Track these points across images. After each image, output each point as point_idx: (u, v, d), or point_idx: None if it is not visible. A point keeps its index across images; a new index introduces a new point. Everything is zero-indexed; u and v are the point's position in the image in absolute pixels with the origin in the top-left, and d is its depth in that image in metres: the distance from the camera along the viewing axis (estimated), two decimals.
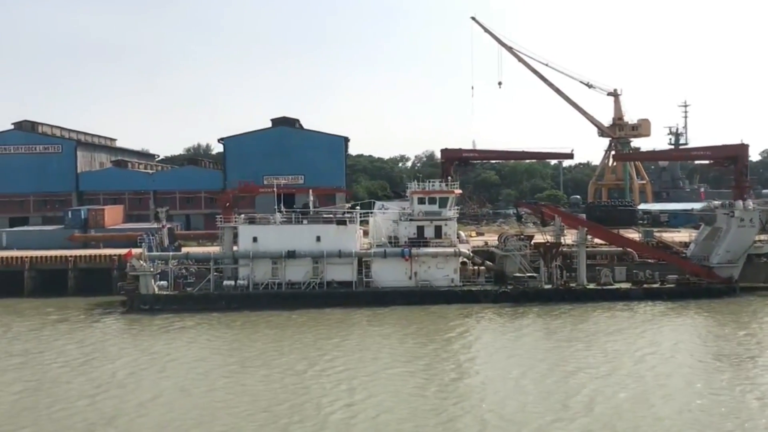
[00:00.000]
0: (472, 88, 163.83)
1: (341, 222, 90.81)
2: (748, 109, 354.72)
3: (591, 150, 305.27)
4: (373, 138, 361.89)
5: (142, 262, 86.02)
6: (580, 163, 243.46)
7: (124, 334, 74.13)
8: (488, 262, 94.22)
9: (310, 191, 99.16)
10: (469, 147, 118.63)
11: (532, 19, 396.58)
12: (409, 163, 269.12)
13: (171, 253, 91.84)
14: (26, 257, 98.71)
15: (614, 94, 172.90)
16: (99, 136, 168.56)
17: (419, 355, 63.93)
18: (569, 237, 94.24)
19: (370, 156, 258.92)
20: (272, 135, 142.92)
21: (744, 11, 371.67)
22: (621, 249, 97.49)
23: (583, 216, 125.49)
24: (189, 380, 56.75)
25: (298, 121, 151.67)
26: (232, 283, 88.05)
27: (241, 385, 55.15)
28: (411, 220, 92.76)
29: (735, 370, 58.01)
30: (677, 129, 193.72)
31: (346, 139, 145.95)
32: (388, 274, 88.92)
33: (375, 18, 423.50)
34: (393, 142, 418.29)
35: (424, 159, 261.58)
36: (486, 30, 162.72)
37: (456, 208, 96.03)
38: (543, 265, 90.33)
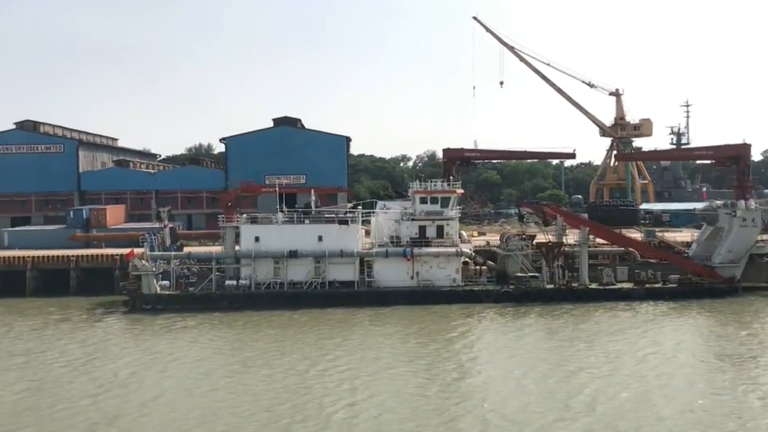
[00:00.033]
0: (474, 87, 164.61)
1: (343, 222, 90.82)
2: (750, 109, 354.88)
3: (592, 150, 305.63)
4: (374, 138, 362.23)
5: (144, 261, 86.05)
6: (581, 163, 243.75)
7: (126, 334, 74.17)
8: (490, 262, 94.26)
9: (312, 191, 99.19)
10: (470, 147, 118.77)
11: (533, 19, 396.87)
12: (410, 163, 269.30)
13: (173, 253, 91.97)
14: (28, 257, 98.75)
15: (616, 94, 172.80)
16: (101, 136, 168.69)
17: (421, 354, 63.93)
18: (571, 237, 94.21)
19: (372, 156, 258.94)
20: (274, 135, 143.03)
21: (746, 11, 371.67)
22: (623, 249, 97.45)
23: (585, 216, 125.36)
24: (191, 380, 56.78)
25: (299, 120, 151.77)
26: (234, 282, 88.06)
27: (243, 385, 55.18)
28: (413, 219, 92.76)
29: (737, 370, 57.98)
30: (679, 129, 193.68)
31: (348, 139, 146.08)
32: (390, 273, 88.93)
33: (375, 18, 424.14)
34: (393, 143, 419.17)
35: (426, 159, 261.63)
36: (488, 29, 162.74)
37: (458, 207, 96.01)
38: (545, 265, 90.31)
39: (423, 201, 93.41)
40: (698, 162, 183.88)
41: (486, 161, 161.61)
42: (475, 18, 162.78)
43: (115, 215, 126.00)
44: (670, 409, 48.81)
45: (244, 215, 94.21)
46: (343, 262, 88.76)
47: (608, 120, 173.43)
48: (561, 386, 54.06)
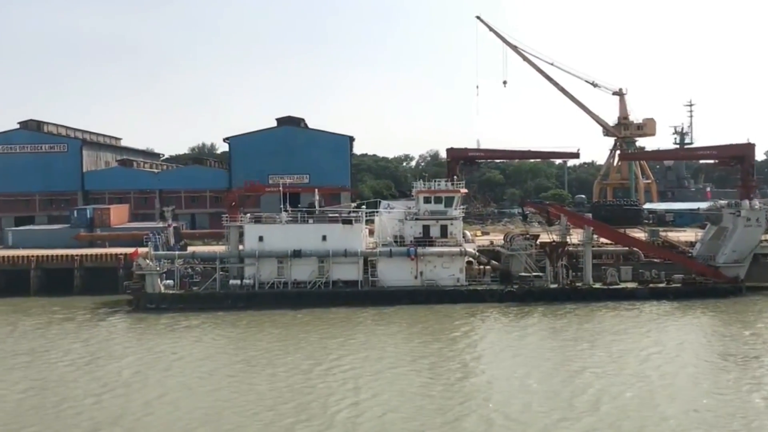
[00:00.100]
0: (477, 87, 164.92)
1: (347, 221, 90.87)
2: (754, 109, 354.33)
3: (595, 149, 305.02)
4: (375, 137, 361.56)
5: (148, 261, 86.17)
6: (584, 163, 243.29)
7: (130, 333, 74.31)
8: (494, 262, 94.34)
9: (316, 190, 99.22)
10: (472, 146, 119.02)
11: (536, 19, 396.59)
12: (413, 163, 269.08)
13: (177, 252, 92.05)
14: (32, 256, 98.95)
15: (619, 94, 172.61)
16: (104, 135, 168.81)
17: (425, 354, 63.94)
18: (575, 236, 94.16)
19: (375, 155, 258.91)
20: (277, 134, 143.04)
21: (749, 10, 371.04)
22: (627, 248, 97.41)
23: (589, 215, 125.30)
24: (195, 379, 56.86)
25: (303, 120, 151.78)
26: (238, 282, 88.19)
27: (247, 384, 55.24)
28: (417, 219, 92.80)
29: (741, 370, 57.91)
30: (682, 128, 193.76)
31: (351, 139, 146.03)
32: (394, 273, 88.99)
33: (376, 18, 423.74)
34: (393, 143, 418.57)
35: (428, 158, 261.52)
36: (491, 29, 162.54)
37: (461, 207, 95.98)
38: (549, 265, 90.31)
39: (427, 200, 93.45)
40: (701, 162, 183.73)
41: (489, 161, 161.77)
42: (478, 17, 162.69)
43: (118, 215, 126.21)
44: (673, 409, 48.79)
45: (248, 215, 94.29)
46: (346, 262, 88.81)
47: (612, 119, 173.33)
48: (565, 386, 54.05)
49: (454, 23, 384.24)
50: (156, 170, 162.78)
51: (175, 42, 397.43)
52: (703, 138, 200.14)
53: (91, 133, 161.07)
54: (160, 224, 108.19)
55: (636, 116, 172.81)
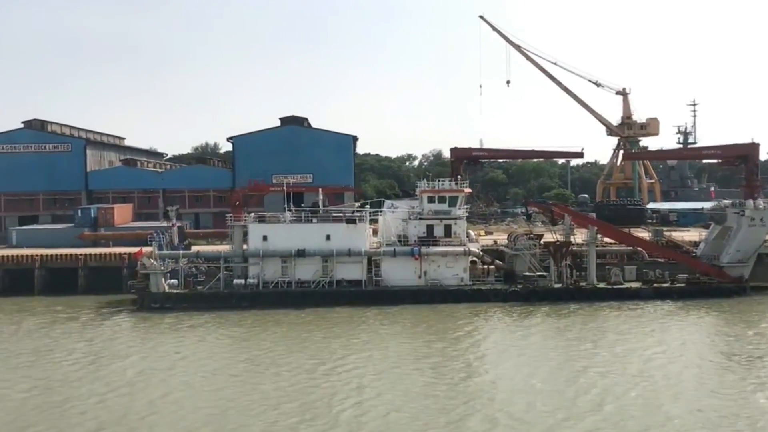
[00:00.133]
0: (480, 86, 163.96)
1: (351, 221, 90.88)
2: (758, 108, 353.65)
3: (599, 149, 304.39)
4: (376, 137, 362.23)
5: (152, 260, 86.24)
6: (587, 162, 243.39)
7: (134, 332, 74.36)
8: (498, 261, 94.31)
9: (320, 190, 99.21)
10: (474, 145, 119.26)
11: (539, 18, 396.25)
12: (416, 162, 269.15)
13: (181, 252, 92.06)
14: (36, 255, 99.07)
15: (623, 93, 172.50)
16: (108, 135, 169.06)
17: (428, 353, 63.93)
18: (579, 236, 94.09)
19: (378, 155, 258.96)
20: (281, 134, 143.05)
21: (753, 10, 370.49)
22: (631, 248, 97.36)
23: (593, 215, 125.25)
24: (199, 378, 56.88)
25: (306, 120, 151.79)
26: (242, 281, 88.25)
27: (251, 384, 55.26)
28: (420, 219, 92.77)
29: (745, 370, 57.84)
30: (686, 128, 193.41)
31: (355, 138, 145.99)
32: (398, 272, 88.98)
33: (376, 17, 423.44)
34: (394, 143, 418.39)
35: (431, 158, 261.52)
36: (494, 28, 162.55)
37: (465, 207, 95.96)
38: (553, 264, 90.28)
39: (431, 200, 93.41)
40: (705, 161, 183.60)
41: (492, 160, 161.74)
42: (481, 17, 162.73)
43: (122, 214, 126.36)
44: (678, 409, 48.74)
45: (252, 214, 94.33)
46: (350, 261, 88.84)
47: (615, 119, 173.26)
48: (569, 385, 54.02)
49: (455, 23, 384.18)
50: (159, 170, 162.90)
51: (175, 41, 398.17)
52: (706, 138, 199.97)
53: (94, 132, 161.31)
54: (164, 224, 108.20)
55: (639, 116, 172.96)
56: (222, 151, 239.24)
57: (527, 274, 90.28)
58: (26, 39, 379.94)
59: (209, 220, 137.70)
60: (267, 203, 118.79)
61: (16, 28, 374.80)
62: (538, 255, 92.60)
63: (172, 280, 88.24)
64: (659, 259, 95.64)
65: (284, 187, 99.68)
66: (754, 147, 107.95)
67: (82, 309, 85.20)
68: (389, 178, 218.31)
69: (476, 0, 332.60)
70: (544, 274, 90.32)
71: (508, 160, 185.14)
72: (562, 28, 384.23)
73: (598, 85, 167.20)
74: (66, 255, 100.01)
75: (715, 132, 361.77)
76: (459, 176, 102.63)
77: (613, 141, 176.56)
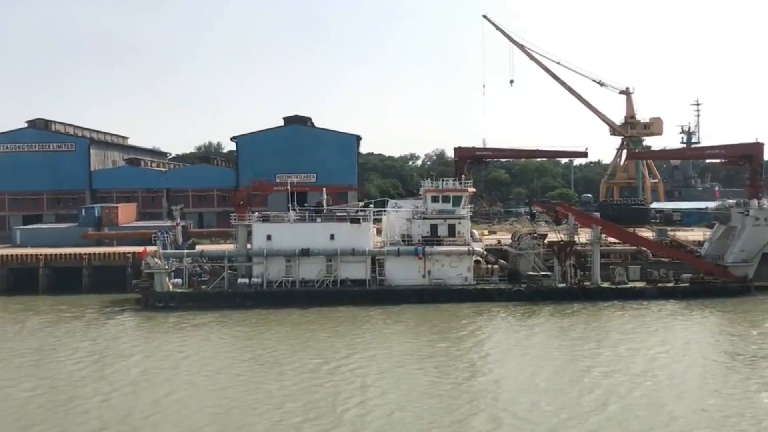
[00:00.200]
0: (484, 86, 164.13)
1: (355, 220, 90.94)
2: (762, 108, 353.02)
3: (602, 148, 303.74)
4: (376, 137, 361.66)
5: (157, 259, 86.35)
6: (591, 162, 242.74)
7: (138, 332, 74.49)
8: (502, 261, 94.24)
9: (324, 189, 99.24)
10: (477, 145, 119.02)
11: (543, 18, 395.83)
12: (419, 162, 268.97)
13: (186, 251, 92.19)
14: (41, 255, 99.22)
15: (626, 93, 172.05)
16: (111, 135, 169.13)
17: (432, 353, 63.97)
18: (583, 236, 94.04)
19: (381, 154, 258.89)
20: (284, 133, 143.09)
21: (757, 9, 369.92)
22: (635, 248, 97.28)
23: (597, 215, 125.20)
24: (203, 378, 56.96)
25: (310, 119, 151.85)
26: (246, 281, 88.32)
27: (255, 383, 55.32)
28: (424, 218, 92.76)
29: (749, 370, 57.76)
30: (689, 127, 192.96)
31: (358, 138, 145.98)
32: (402, 272, 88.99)
33: (377, 17, 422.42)
34: (394, 143, 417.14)
35: (434, 158, 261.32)
36: (498, 28, 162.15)
37: (469, 206, 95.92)
38: (557, 264, 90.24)
39: (434, 200, 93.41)
40: (708, 161, 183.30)
41: (496, 160, 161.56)
42: (485, 16, 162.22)
43: (126, 213, 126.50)
44: (682, 409, 48.74)
45: (256, 213, 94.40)
46: (354, 261, 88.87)
47: (618, 119, 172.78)
48: (573, 385, 54.03)
49: (456, 22, 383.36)
50: (163, 169, 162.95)
51: (176, 41, 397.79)
52: (710, 137, 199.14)
53: (98, 132, 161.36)
54: (168, 223, 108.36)
55: (643, 115, 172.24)
56: (225, 151, 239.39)
57: (531, 273, 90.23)
58: (28, 38, 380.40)
59: (213, 219, 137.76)
60: (271, 203, 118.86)
61: (18, 27, 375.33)
62: (542, 254, 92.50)
63: (176, 280, 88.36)
64: (663, 259, 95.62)
65: (288, 187, 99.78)
66: (758, 147, 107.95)
67: (86, 308, 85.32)
68: (392, 178, 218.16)
69: (481, 0, 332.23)
70: (548, 273, 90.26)
71: (511, 159, 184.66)
72: (565, 27, 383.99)
73: (601, 84, 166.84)
74: (70, 254, 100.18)
75: (718, 132, 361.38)
76: (463, 176, 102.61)
77: (617, 140, 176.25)
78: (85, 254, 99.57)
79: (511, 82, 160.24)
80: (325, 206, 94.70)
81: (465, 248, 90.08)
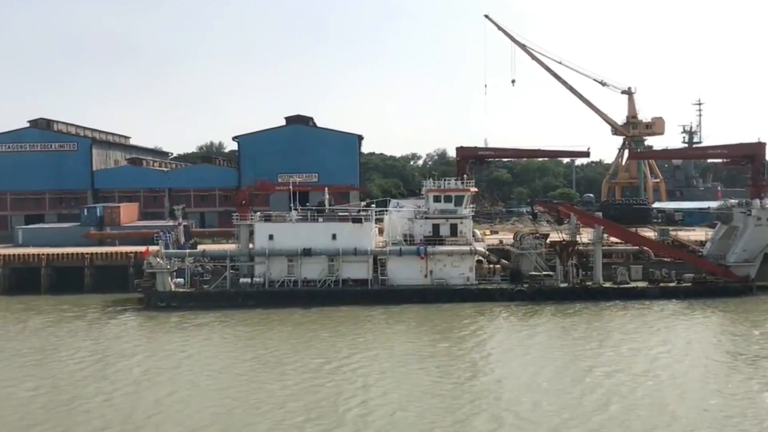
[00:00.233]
0: (486, 86, 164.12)
1: (357, 220, 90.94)
2: (764, 107, 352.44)
3: (603, 148, 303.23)
4: (377, 136, 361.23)
5: (159, 259, 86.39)
6: (592, 162, 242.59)
7: (140, 331, 74.56)
8: (504, 261, 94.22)
9: (326, 189, 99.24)
10: (478, 145, 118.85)
11: (544, 17, 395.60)
12: (420, 162, 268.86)
13: (188, 251, 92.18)
14: (43, 254, 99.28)
15: (628, 92, 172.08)
16: (113, 134, 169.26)
17: (434, 353, 63.98)
18: (585, 235, 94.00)
19: (382, 154, 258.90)
20: (286, 133, 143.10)
21: (759, 8, 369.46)
22: (637, 247, 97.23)
23: (599, 214, 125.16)
24: (205, 377, 57.01)
25: (311, 119, 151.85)
26: (248, 280, 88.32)
27: (257, 382, 55.35)
28: (426, 218, 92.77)
29: (752, 370, 57.75)
30: (691, 127, 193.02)
31: (360, 137, 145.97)
32: (404, 272, 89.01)
33: (377, 16, 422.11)
34: (394, 143, 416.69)
35: (436, 157, 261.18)
36: (499, 28, 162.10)
37: (471, 206, 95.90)
38: (559, 264, 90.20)
39: (436, 199, 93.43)
40: (710, 161, 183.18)
41: (497, 159, 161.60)
42: (486, 16, 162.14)
43: (128, 213, 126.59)
44: (684, 409, 48.77)
45: (258, 213, 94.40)
46: (356, 261, 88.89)
47: (620, 118, 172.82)
48: (575, 385, 54.04)
49: (457, 22, 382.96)
50: (165, 169, 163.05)
51: (175, 41, 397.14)
52: (712, 137, 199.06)
53: (100, 131, 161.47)
54: (170, 223, 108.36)
55: (645, 115, 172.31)
56: (227, 150, 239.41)
57: (533, 273, 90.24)
58: (29, 38, 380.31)
59: (215, 219, 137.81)
60: (272, 202, 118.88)
61: (19, 27, 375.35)
62: (544, 254, 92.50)
63: (179, 279, 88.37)
64: (665, 259, 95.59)
65: (290, 186, 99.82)
66: (760, 146, 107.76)
67: (89, 308, 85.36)
68: (394, 178, 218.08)
69: (483, 0, 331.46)
70: (550, 273, 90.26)
71: (513, 159, 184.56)
72: (567, 27, 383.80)
73: (603, 84, 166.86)
74: (72, 254, 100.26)
75: (720, 131, 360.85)
76: (465, 175, 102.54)
77: (618, 140, 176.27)
78: (87, 254, 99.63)
79: (513, 81, 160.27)
80: (327, 206, 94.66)
81: (467, 248, 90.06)
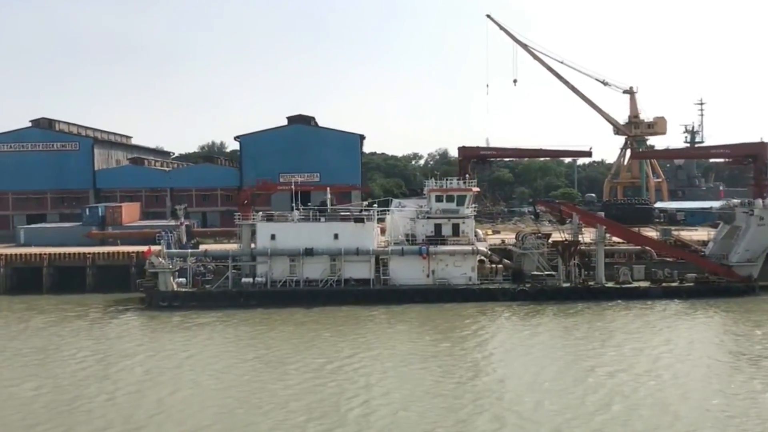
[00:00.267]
0: (488, 86, 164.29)
1: (359, 220, 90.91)
2: (766, 107, 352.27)
3: (605, 148, 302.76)
4: (378, 136, 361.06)
5: (161, 259, 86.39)
6: (594, 161, 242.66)
7: (142, 331, 74.53)
8: (506, 261, 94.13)
9: (328, 189, 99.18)
10: (480, 144, 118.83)
11: (547, 17, 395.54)
12: (422, 161, 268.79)
13: (190, 251, 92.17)
14: (45, 254, 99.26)
15: (630, 92, 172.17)
16: (115, 134, 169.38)
17: (436, 352, 63.93)
18: (587, 235, 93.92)
19: (384, 154, 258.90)
20: (288, 133, 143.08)
21: (761, 8, 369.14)
22: (639, 247, 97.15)
23: (602, 214, 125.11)
24: (206, 377, 56.99)
25: (313, 118, 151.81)
26: (251, 280, 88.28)
27: (259, 382, 55.34)
28: (428, 217, 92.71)
29: (754, 369, 57.68)
30: (693, 127, 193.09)
31: (362, 137, 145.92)
32: (406, 271, 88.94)
33: (378, 16, 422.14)
34: (395, 142, 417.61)
35: (437, 157, 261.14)
36: (501, 27, 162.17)
37: (473, 206, 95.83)
38: (561, 264, 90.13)
39: (438, 199, 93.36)
40: (712, 161, 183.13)
41: (499, 159, 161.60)
42: (488, 16, 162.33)
43: (130, 213, 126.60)
44: (686, 409, 48.72)
45: (260, 213, 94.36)
46: (358, 260, 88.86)
47: (622, 118, 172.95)
48: (577, 384, 53.97)
49: (458, 22, 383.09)
50: (167, 169, 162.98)
51: (175, 41, 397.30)
52: (714, 137, 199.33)
53: (102, 131, 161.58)
54: (172, 222, 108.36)
55: (647, 115, 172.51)
56: (228, 150, 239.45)
57: (535, 273, 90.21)
58: (29, 38, 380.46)
59: (216, 218, 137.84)
60: (274, 202, 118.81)
61: (20, 27, 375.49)
62: (546, 254, 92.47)
63: (181, 279, 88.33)
64: (668, 259, 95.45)
65: (292, 186, 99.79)
66: (762, 146, 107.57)
67: (90, 307, 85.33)
68: (396, 177, 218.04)
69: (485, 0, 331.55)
70: (553, 273, 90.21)
71: (515, 159, 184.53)
72: (569, 26, 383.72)
73: (605, 83, 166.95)
74: (74, 253, 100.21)
75: (722, 131, 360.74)
76: (467, 175, 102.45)
77: (620, 140, 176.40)
78: (88, 253, 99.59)
79: (515, 81, 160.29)
80: (328, 206, 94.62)
81: (469, 248, 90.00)
